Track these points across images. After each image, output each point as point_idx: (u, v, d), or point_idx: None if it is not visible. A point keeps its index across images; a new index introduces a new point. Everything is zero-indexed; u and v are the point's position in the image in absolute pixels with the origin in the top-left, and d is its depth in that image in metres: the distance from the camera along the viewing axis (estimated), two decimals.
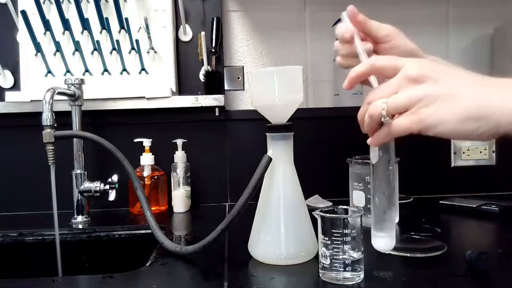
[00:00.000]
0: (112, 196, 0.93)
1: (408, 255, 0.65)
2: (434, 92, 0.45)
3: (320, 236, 0.57)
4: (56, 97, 0.82)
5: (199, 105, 1.03)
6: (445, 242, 0.70)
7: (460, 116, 0.44)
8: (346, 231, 0.54)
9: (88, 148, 0.99)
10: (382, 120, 0.49)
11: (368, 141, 0.54)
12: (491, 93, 0.44)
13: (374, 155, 0.56)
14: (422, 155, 1.12)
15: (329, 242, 0.55)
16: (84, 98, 0.96)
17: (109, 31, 1.01)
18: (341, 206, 0.59)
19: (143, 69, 1.04)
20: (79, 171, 0.95)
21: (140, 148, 1.01)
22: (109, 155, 0.83)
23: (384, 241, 0.56)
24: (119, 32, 1.03)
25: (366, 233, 0.58)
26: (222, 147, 1.10)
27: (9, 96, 1.01)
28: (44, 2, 1.02)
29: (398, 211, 0.85)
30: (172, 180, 1.02)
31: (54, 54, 1.02)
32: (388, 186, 0.55)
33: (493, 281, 0.58)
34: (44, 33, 1.02)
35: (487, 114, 0.43)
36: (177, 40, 1.09)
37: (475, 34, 1.19)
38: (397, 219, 0.84)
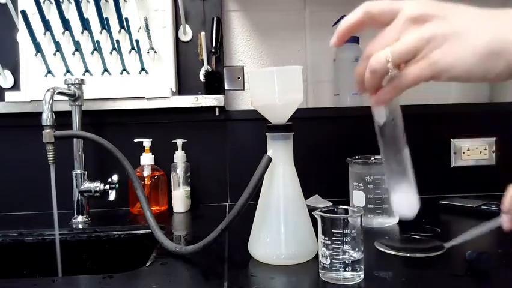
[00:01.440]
0: (112, 196, 0.93)
1: (408, 255, 0.65)
2: (442, 31, 0.39)
3: (320, 236, 0.57)
4: (56, 97, 0.82)
5: (199, 105, 1.03)
6: (445, 242, 0.70)
7: (474, 55, 0.39)
8: (346, 231, 0.54)
9: (88, 148, 0.99)
10: (389, 73, 0.42)
11: (372, 100, 0.46)
12: (505, 27, 0.39)
13: (380, 115, 0.49)
14: (422, 155, 1.12)
15: (329, 242, 0.55)
16: (84, 98, 0.96)
17: (109, 31, 1.01)
18: (341, 206, 0.59)
19: (143, 69, 1.04)
20: (79, 171, 0.95)
21: (140, 148, 1.01)
22: (109, 155, 0.83)
23: (404, 204, 0.49)
24: (119, 32, 1.03)
25: (366, 233, 0.58)
26: (222, 147, 1.10)
27: (9, 96, 1.01)
28: (44, 2, 1.02)
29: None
30: (172, 180, 1.02)
31: (54, 54, 1.02)
32: (398, 146, 0.48)
33: (493, 281, 0.58)
34: (44, 33, 1.02)
35: (504, 49, 0.38)
36: (177, 40, 1.09)
37: None
38: (397, 219, 0.84)
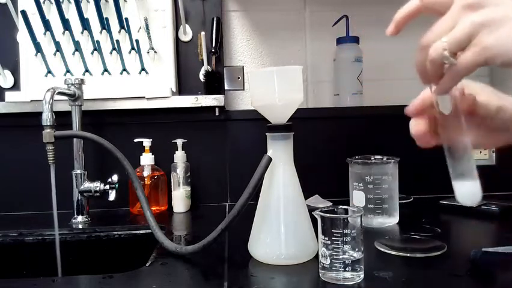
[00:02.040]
0: (112, 196, 0.93)
1: (408, 255, 0.65)
2: (497, 15, 0.39)
3: (320, 236, 0.57)
4: (56, 97, 0.82)
5: (199, 105, 1.03)
6: (445, 242, 0.70)
7: None
8: (346, 231, 0.54)
9: (88, 148, 0.99)
10: (445, 62, 0.42)
11: (434, 91, 0.46)
12: None
13: (445, 106, 0.48)
14: (422, 155, 1.12)
15: (329, 242, 0.55)
16: (84, 98, 0.96)
17: (109, 31, 1.01)
18: (341, 206, 0.59)
19: (143, 69, 1.04)
20: (79, 171, 0.95)
21: (140, 148, 1.01)
22: (109, 155, 0.83)
23: (466, 193, 0.49)
24: (119, 32, 1.03)
25: (366, 233, 0.58)
26: (222, 147, 1.10)
27: (9, 96, 1.01)
28: (44, 2, 1.02)
29: (398, 211, 0.85)
30: (172, 180, 1.02)
31: (54, 54, 1.02)
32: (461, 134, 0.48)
33: (493, 281, 0.58)
34: (44, 33, 1.02)
35: None
36: (177, 40, 1.09)
37: None
38: (397, 219, 0.85)
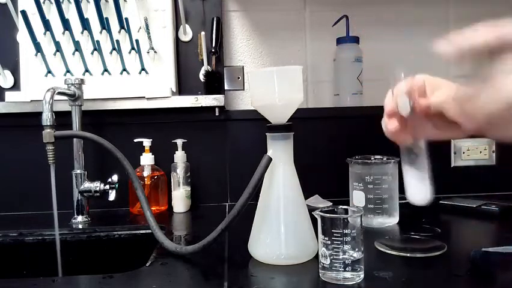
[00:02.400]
0: (112, 196, 0.93)
1: (408, 255, 0.65)
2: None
3: (320, 236, 0.57)
4: (56, 97, 0.82)
5: (199, 105, 1.03)
6: (445, 242, 0.70)
7: None
8: (346, 231, 0.54)
9: (88, 148, 0.99)
10: None
11: (394, 91, 0.53)
12: None
13: (403, 107, 0.51)
14: None
15: (329, 242, 0.55)
16: (84, 98, 0.96)
17: (109, 31, 1.01)
18: (341, 206, 0.59)
19: (143, 69, 1.04)
20: (79, 171, 0.95)
21: (140, 148, 1.01)
22: (109, 155, 0.83)
23: (416, 192, 0.52)
24: (119, 32, 1.03)
25: (366, 233, 0.58)
26: (222, 147, 1.10)
27: (9, 96, 1.01)
28: (44, 2, 1.02)
29: (398, 211, 0.85)
30: (172, 180, 1.02)
31: (54, 54, 1.02)
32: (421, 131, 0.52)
33: (493, 281, 0.58)
34: (44, 33, 1.02)
35: None
36: (177, 40, 1.09)
37: None
38: (397, 219, 0.85)
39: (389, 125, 0.55)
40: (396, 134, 0.53)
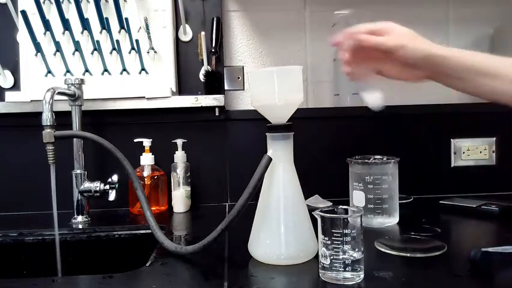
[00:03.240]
0: (112, 196, 0.93)
1: (408, 255, 0.65)
2: None
3: (320, 236, 0.57)
4: (56, 97, 0.82)
5: (199, 105, 1.03)
6: (445, 242, 0.70)
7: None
8: (346, 231, 0.54)
9: (88, 148, 0.99)
10: None
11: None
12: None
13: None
14: (422, 155, 1.12)
15: (329, 242, 0.55)
16: (84, 98, 0.96)
17: (109, 31, 1.01)
18: (341, 206, 0.59)
19: (143, 69, 1.04)
20: (79, 171, 0.95)
21: (140, 148, 1.01)
22: (109, 155, 0.83)
23: (373, 96, 0.69)
24: (119, 32, 1.03)
25: (366, 233, 0.58)
26: (222, 147, 1.10)
27: (9, 96, 1.01)
28: (44, 2, 1.02)
29: (398, 211, 0.85)
30: (172, 180, 1.02)
31: (54, 54, 1.02)
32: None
33: (493, 281, 0.58)
34: (44, 33, 1.02)
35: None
36: (177, 40, 1.09)
37: (475, 34, 1.19)
38: (397, 219, 0.85)
39: (340, 54, 0.70)
40: (347, 65, 0.69)
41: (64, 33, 1.03)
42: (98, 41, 1.01)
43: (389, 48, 0.64)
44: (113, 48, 1.03)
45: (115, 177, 0.94)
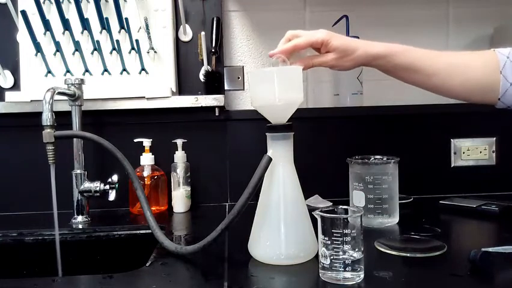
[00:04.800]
0: (112, 196, 0.93)
1: (408, 255, 0.65)
2: None
3: (320, 236, 0.57)
4: (56, 97, 0.82)
5: (199, 105, 1.03)
6: (445, 242, 0.70)
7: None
8: (346, 231, 0.54)
9: (88, 148, 0.99)
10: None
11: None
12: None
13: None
14: (422, 155, 1.12)
15: (329, 242, 0.55)
16: (84, 98, 0.96)
17: (109, 31, 1.01)
18: (341, 206, 0.59)
19: (143, 69, 1.04)
20: (79, 171, 0.95)
21: (140, 148, 1.01)
22: (109, 155, 0.83)
23: None
24: (119, 32, 1.03)
25: (366, 233, 0.58)
26: (222, 147, 1.10)
27: (9, 96, 1.01)
28: (44, 2, 1.02)
29: (398, 211, 0.85)
30: (172, 180, 1.02)
31: (54, 54, 1.02)
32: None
33: (493, 281, 0.58)
34: (44, 33, 1.02)
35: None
36: (177, 40, 1.09)
37: (475, 34, 1.19)
38: (397, 219, 0.85)
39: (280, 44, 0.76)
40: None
41: (63, 33, 1.03)
42: (98, 41, 1.01)
43: (333, 66, 0.75)
44: (113, 48, 1.03)
45: (115, 177, 0.94)
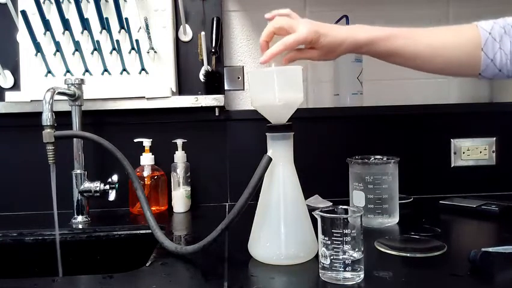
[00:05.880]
0: (112, 196, 0.93)
1: (408, 255, 0.65)
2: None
3: (320, 236, 0.57)
4: (56, 97, 0.82)
5: (199, 105, 1.03)
6: (445, 242, 0.70)
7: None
8: (346, 231, 0.54)
9: (88, 148, 0.99)
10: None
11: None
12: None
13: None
14: (422, 155, 1.12)
15: (329, 242, 0.55)
16: (84, 98, 0.96)
17: (109, 31, 1.01)
18: (341, 206, 0.59)
19: (143, 69, 1.04)
20: (79, 171, 0.95)
21: (140, 148, 1.01)
22: (109, 155, 0.83)
23: None
24: (119, 32, 1.03)
25: (366, 233, 0.58)
26: (222, 147, 1.10)
27: (9, 96, 1.01)
28: (44, 2, 1.02)
29: (398, 211, 0.85)
30: (172, 180, 1.02)
31: (54, 54, 1.02)
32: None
33: (493, 281, 0.58)
34: (44, 33, 1.02)
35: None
36: (177, 40, 1.09)
37: None
38: (397, 219, 0.85)
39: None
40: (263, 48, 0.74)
41: (63, 33, 1.03)
42: (98, 41, 1.01)
43: (318, 60, 0.77)
44: (113, 48, 1.03)
45: (115, 177, 0.94)
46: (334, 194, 1.03)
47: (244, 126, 1.09)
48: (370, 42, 0.73)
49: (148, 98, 1.02)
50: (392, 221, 0.84)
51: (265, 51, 0.71)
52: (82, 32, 1.03)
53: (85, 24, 1.01)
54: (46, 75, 1.03)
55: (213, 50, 1.06)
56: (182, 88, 1.09)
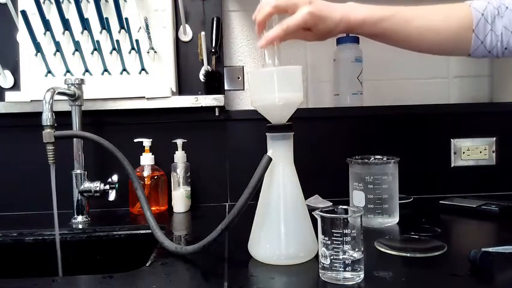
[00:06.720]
0: (112, 196, 0.93)
1: (408, 255, 0.65)
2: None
3: (320, 236, 0.57)
4: (56, 97, 0.82)
5: (199, 105, 1.03)
6: (445, 242, 0.70)
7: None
8: (346, 231, 0.54)
9: (88, 148, 0.99)
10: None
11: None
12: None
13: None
14: (422, 155, 1.12)
15: (329, 242, 0.55)
16: (84, 98, 0.96)
17: (109, 31, 1.01)
18: (341, 206, 0.59)
19: (143, 69, 1.04)
20: (79, 171, 0.95)
21: (140, 148, 1.01)
22: (109, 155, 0.83)
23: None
24: (119, 32, 1.03)
25: (366, 233, 0.58)
26: (222, 147, 1.10)
27: (9, 96, 1.01)
28: (44, 2, 1.02)
29: (398, 211, 0.85)
30: (172, 180, 1.02)
31: (54, 54, 1.02)
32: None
33: (493, 281, 0.58)
34: (44, 33, 1.02)
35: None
36: (177, 40, 1.09)
37: None
38: (397, 219, 0.85)
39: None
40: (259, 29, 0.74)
41: (63, 33, 1.03)
42: (98, 41, 1.01)
43: (311, 41, 0.75)
44: (113, 48, 1.03)
45: (115, 177, 0.94)
46: (334, 194, 1.03)
47: (244, 126, 1.09)
48: (362, 25, 0.73)
49: (148, 98, 1.02)
50: (392, 221, 0.84)
51: (261, 33, 0.71)
52: (82, 32, 1.03)
53: (85, 24, 1.01)
54: (46, 75, 1.03)
55: (213, 50, 1.06)
56: (182, 88, 1.09)
